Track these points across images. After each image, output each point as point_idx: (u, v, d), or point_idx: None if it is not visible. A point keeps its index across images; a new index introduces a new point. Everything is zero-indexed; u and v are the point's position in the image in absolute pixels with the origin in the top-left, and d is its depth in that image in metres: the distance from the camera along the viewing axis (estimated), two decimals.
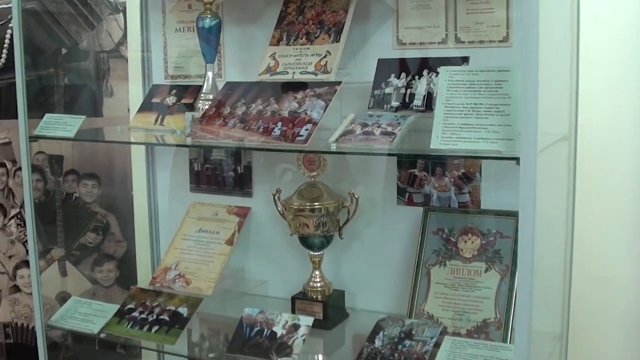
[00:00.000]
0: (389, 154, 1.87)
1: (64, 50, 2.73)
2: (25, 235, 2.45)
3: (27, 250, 2.72)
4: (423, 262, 1.95)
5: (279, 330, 1.89)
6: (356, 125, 1.77)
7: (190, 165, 2.43)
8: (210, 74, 2.12)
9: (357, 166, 2.12)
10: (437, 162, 2.00)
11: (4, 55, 2.74)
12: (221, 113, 1.94)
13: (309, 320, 1.89)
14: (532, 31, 1.40)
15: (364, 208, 2.08)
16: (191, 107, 2.16)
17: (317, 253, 2.09)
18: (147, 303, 2.13)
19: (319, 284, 2.08)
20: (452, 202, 2.01)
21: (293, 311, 2.06)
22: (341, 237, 2.09)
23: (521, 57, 1.43)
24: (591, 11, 1.90)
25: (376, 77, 1.94)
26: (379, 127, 1.74)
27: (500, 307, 1.82)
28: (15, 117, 2.17)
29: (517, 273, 1.64)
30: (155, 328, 2.06)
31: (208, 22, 2.09)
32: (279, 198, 2.10)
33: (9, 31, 2.69)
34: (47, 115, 2.22)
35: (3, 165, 2.88)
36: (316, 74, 1.95)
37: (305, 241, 2.07)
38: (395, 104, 1.88)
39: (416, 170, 2.04)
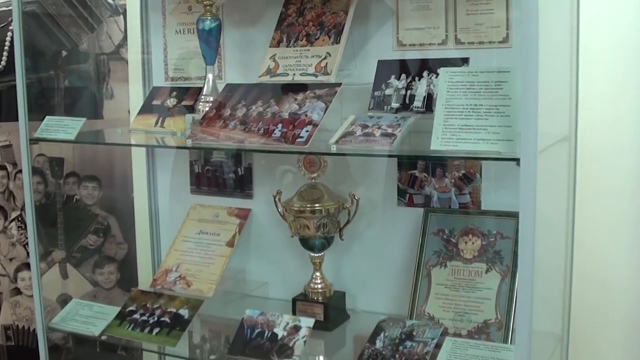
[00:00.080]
0: (390, 155, 1.87)
1: (64, 53, 2.73)
2: (26, 238, 2.46)
3: (28, 253, 2.72)
4: (424, 263, 1.95)
5: (279, 331, 1.89)
6: (356, 126, 1.77)
7: (190, 167, 2.43)
8: (210, 75, 2.12)
9: (357, 167, 2.12)
10: (438, 163, 2.00)
11: (4, 58, 2.74)
12: (221, 115, 1.95)
13: (310, 322, 1.89)
14: (531, 32, 1.41)
15: (364, 209, 2.08)
16: (191, 109, 2.16)
17: (317, 254, 2.09)
18: (148, 305, 2.13)
19: (319, 286, 2.08)
20: (453, 203, 2.01)
21: (294, 313, 2.06)
22: (342, 238, 2.09)
23: (521, 58, 1.43)
24: (591, 11, 1.90)
25: (376, 78, 1.94)
26: (379, 128, 1.74)
27: (501, 307, 1.82)
28: (16, 119, 2.17)
29: (517, 274, 1.64)
30: (156, 330, 2.06)
31: (208, 24, 2.09)
32: (279, 199, 2.11)
33: (9, 34, 2.70)
34: (47, 117, 2.22)
35: (4, 167, 2.88)
36: (316, 76, 1.95)
37: (306, 242, 2.08)
38: (395, 105, 1.88)
39: (416, 171, 2.04)
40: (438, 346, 1.75)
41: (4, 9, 2.76)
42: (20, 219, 2.86)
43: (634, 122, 1.92)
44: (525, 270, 1.47)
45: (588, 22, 1.89)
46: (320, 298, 2.07)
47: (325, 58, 1.97)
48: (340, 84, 1.87)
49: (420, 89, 1.87)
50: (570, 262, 1.97)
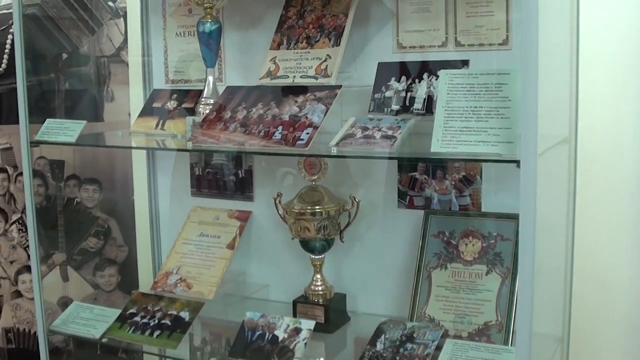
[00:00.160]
0: (390, 158, 1.87)
1: (64, 55, 2.73)
2: (27, 241, 2.46)
3: (28, 256, 2.72)
4: (424, 265, 1.95)
5: (280, 334, 1.89)
6: (357, 128, 1.78)
7: (191, 169, 2.43)
8: (210, 78, 2.13)
9: (357, 170, 2.12)
10: (438, 165, 2.00)
11: (5, 61, 2.74)
12: (222, 117, 1.95)
13: (311, 324, 1.89)
14: (531, 34, 1.41)
15: (364, 211, 2.08)
16: (192, 112, 2.16)
17: (318, 257, 2.09)
18: (148, 307, 2.13)
19: (320, 288, 2.08)
20: (453, 205, 2.01)
21: (294, 315, 2.06)
22: (342, 240, 2.09)
23: (521, 60, 1.43)
24: (591, 13, 1.90)
25: (376, 80, 1.95)
26: (379, 130, 1.74)
27: (502, 309, 1.82)
28: (17, 122, 2.18)
29: (518, 275, 1.64)
30: (157, 332, 2.06)
31: (208, 26, 2.09)
32: (280, 202, 2.11)
33: (9, 36, 2.70)
34: (48, 120, 2.23)
35: (4, 170, 2.88)
36: (316, 78, 1.95)
37: (307, 245, 2.08)
38: (395, 107, 1.88)
39: (417, 173, 2.05)
40: (439, 348, 1.75)
41: (4, 11, 2.76)
42: (21, 221, 2.86)
43: (633, 124, 1.92)
44: (525, 272, 1.47)
45: (588, 23, 1.89)
46: (320, 300, 2.07)
47: (325, 60, 1.97)
48: (341, 86, 1.87)
49: (421, 91, 1.87)
50: (571, 264, 1.97)
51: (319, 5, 2.06)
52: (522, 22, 1.41)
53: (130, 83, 2.62)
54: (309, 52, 2.01)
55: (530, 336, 1.48)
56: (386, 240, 2.11)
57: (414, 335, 1.80)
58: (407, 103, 1.88)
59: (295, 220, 2.04)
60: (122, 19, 2.68)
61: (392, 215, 2.09)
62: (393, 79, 1.92)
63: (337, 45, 1.97)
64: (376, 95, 1.93)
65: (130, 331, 2.10)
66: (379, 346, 1.81)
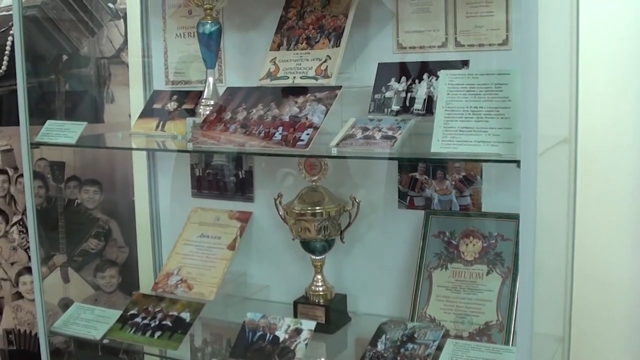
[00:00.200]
0: (390, 158, 1.87)
1: (65, 57, 2.73)
2: (28, 242, 2.46)
3: (29, 257, 2.72)
4: (425, 266, 1.95)
5: (281, 334, 1.89)
6: (357, 129, 1.78)
7: (191, 170, 2.43)
8: (211, 79, 2.13)
9: (358, 170, 2.12)
10: (438, 166, 2.00)
11: (5, 62, 2.74)
12: (222, 118, 1.95)
13: (311, 325, 1.90)
14: (531, 34, 1.41)
15: (365, 212, 2.08)
16: (192, 113, 2.16)
17: (318, 257, 2.09)
18: (149, 308, 2.14)
19: (320, 288, 2.08)
20: (453, 205, 2.01)
21: (295, 315, 2.06)
22: (343, 241, 2.09)
23: (521, 60, 1.43)
24: (591, 13, 1.90)
25: (376, 81, 1.95)
26: (379, 131, 1.74)
27: (502, 309, 1.82)
28: (17, 124, 2.18)
29: (518, 275, 1.64)
30: (157, 333, 2.06)
31: (208, 27, 2.09)
32: (280, 202, 2.11)
33: (10, 38, 2.70)
34: (48, 121, 2.23)
35: (5, 172, 2.88)
36: (317, 79, 1.95)
37: (307, 245, 2.08)
38: (395, 107, 1.88)
39: (417, 173, 2.05)
40: (439, 348, 1.75)
41: (4, 13, 2.77)
42: (21, 223, 2.86)
43: (634, 124, 1.92)
44: (526, 271, 1.47)
45: (588, 23, 1.90)
46: (321, 301, 2.07)
47: (325, 61, 1.97)
48: (341, 86, 1.87)
49: (421, 91, 1.87)
50: (571, 264, 1.97)
51: (319, 6, 2.06)
52: (522, 22, 1.41)
53: (130, 84, 2.62)
54: (309, 53, 2.01)
55: (531, 336, 1.48)
56: (387, 241, 2.11)
57: (415, 336, 1.80)
58: (407, 103, 1.88)
59: (296, 220, 2.04)
60: (122, 20, 2.68)
61: (393, 215, 2.09)
62: (393, 79, 1.92)
63: (337, 46, 1.97)
64: (376, 96, 1.93)
65: (131, 332, 2.10)
66: (380, 346, 1.81)
